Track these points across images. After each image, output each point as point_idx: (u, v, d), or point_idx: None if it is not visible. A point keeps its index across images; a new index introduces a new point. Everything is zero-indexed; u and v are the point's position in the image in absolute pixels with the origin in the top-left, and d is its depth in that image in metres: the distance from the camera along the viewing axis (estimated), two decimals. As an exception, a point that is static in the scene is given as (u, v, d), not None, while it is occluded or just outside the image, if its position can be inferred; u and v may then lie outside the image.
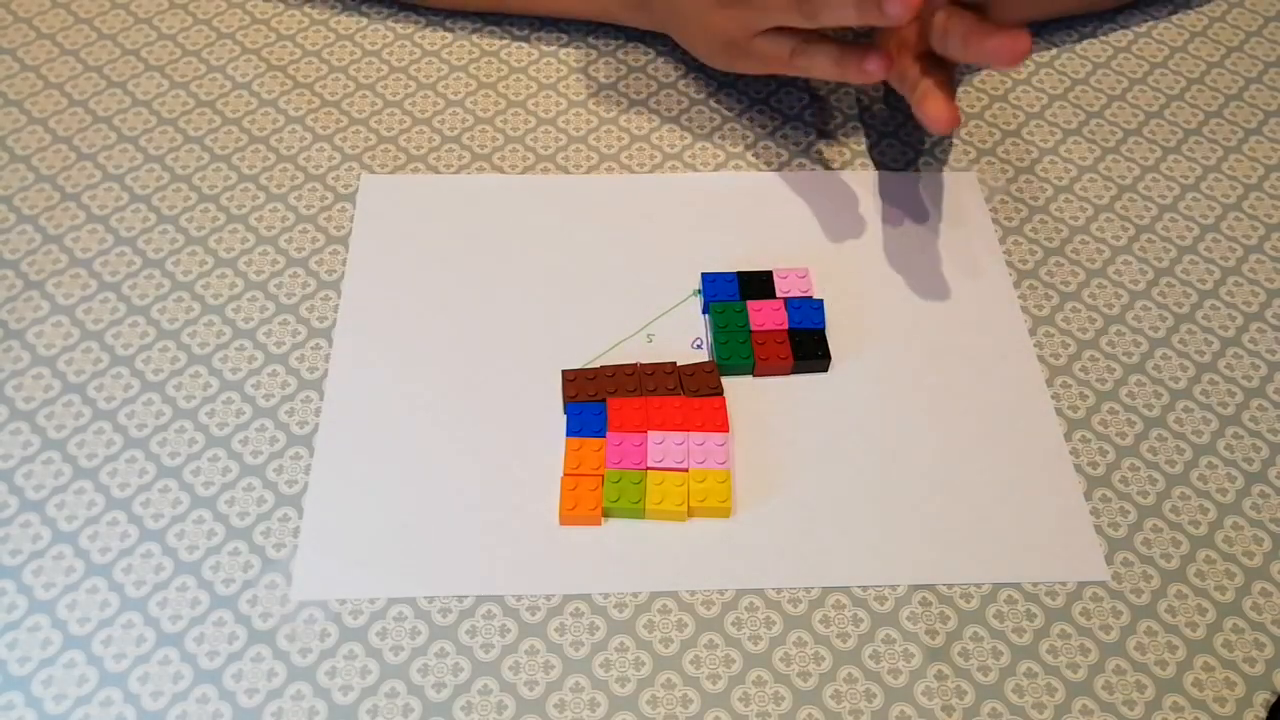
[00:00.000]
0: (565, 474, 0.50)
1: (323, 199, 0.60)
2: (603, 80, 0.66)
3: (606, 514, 0.49)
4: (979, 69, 0.67)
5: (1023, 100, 0.66)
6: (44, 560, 0.48)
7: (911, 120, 0.64)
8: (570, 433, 0.51)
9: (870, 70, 0.54)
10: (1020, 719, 0.45)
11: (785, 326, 0.54)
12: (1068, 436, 0.53)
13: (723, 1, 0.57)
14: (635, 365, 0.53)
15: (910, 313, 0.57)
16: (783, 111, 0.65)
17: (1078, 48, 0.69)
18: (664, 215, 0.60)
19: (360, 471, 0.50)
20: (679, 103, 0.65)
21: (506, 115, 0.64)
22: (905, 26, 0.56)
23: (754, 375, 0.54)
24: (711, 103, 0.65)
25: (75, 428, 0.51)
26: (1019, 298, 0.57)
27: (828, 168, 0.62)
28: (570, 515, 0.49)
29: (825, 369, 0.54)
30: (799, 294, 0.56)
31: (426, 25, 0.69)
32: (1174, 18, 0.71)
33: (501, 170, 0.62)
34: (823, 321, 0.55)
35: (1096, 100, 0.66)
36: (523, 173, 0.61)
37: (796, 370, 0.54)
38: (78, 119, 0.63)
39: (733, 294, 0.56)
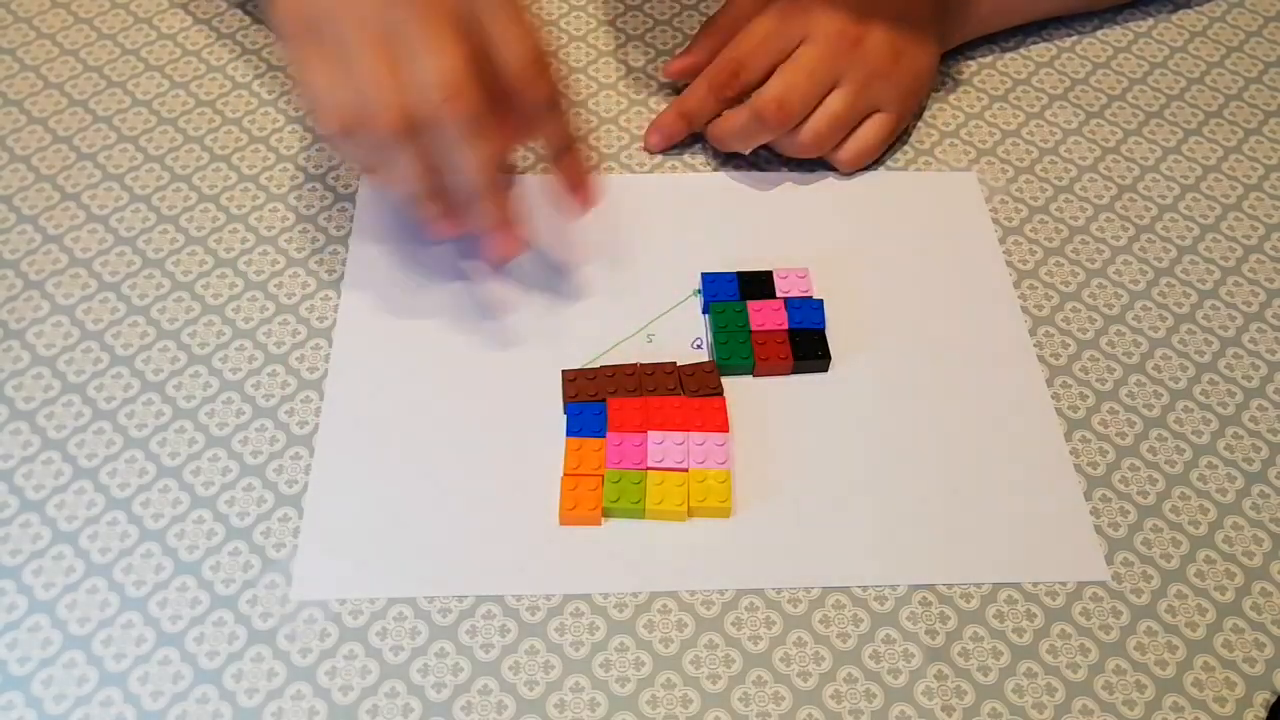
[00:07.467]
0: (565, 474, 0.50)
1: (323, 199, 0.60)
2: (603, 80, 0.66)
3: (606, 514, 0.49)
4: (976, 70, 0.67)
5: (1023, 100, 0.66)
6: (44, 560, 0.48)
7: (912, 120, 0.64)
8: (570, 433, 0.51)
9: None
10: (1020, 719, 0.45)
11: (785, 326, 0.54)
12: (1068, 436, 0.53)
13: None
14: (635, 365, 0.53)
15: (910, 313, 0.57)
16: (783, 111, 0.65)
17: (1078, 48, 0.69)
18: (664, 215, 0.60)
19: (360, 471, 0.50)
20: (679, 103, 0.65)
21: (506, 115, 0.64)
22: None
23: (754, 375, 0.54)
24: (711, 103, 0.65)
25: (75, 428, 0.51)
26: (1019, 298, 0.57)
27: (828, 168, 0.62)
28: (570, 515, 0.49)
29: (825, 369, 0.54)
30: (799, 294, 0.56)
31: (426, 25, 0.68)
32: (1174, 18, 0.71)
33: (501, 170, 0.62)
34: (823, 321, 0.55)
35: (1096, 100, 0.66)
36: (523, 172, 0.61)
37: (796, 370, 0.54)
38: (78, 119, 0.63)
39: (733, 294, 0.56)
